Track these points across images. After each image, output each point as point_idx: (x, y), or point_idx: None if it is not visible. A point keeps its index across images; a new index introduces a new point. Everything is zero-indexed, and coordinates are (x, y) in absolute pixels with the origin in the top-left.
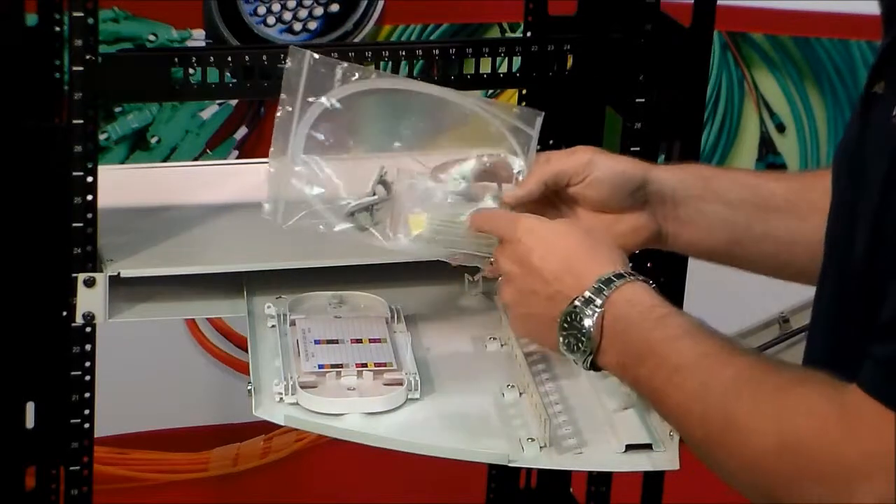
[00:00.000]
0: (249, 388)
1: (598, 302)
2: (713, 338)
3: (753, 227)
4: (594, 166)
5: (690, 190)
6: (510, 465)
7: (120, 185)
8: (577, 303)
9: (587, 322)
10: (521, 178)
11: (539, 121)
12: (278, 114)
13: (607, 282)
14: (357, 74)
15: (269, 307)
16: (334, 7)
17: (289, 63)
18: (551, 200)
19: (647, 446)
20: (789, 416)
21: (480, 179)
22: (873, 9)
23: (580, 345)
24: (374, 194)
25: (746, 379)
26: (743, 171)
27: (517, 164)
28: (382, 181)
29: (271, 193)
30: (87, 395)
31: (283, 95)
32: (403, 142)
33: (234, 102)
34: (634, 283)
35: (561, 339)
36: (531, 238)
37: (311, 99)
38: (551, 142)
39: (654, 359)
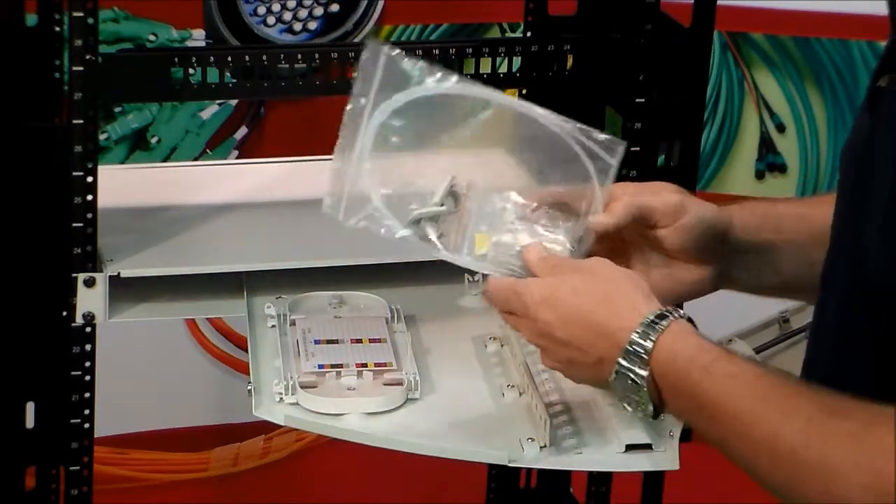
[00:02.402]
0: (249, 388)
1: (642, 363)
2: (763, 378)
3: (808, 259)
4: (685, 212)
5: (762, 236)
6: (510, 465)
7: (120, 185)
8: (623, 363)
9: (640, 382)
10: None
11: (621, 150)
12: (349, 107)
13: (644, 335)
14: (437, 76)
15: (269, 307)
16: (334, 7)
17: (364, 56)
18: (627, 234)
19: (647, 446)
20: (870, 463)
21: (555, 208)
22: (873, 9)
23: (641, 406)
24: (443, 205)
25: (816, 427)
26: (796, 204)
27: (593, 195)
28: (452, 192)
29: (334, 188)
30: (87, 395)
31: (355, 88)
32: (475, 152)
33: (234, 102)
34: (668, 330)
35: (623, 402)
36: (544, 311)
37: (384, 95)
38: None
39: (708, 410)
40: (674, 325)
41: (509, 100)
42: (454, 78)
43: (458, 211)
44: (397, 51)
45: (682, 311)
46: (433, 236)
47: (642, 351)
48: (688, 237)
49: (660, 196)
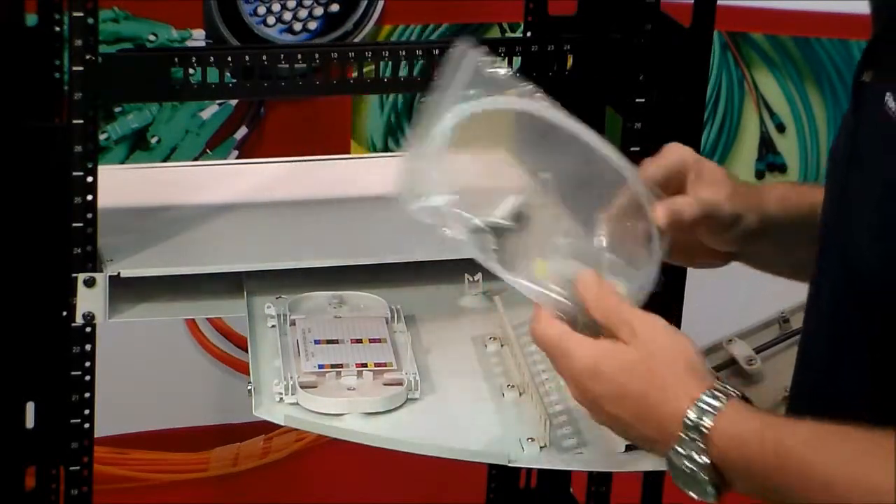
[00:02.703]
0: (249, 388)
1: (700, 450)
2: (831, 446)
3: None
4: (737, 224)
5: (795, 236)
6: (510, 465)
7: (120, 185)
8: (680, 450)
9: (698, 469)
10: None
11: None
12: (430, 96)
13: (698, 421)
14: (523, 88)
15: (269, 307)
16: (334, 7)
17: (453, 52)
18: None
19: None
20: None
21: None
22: None
23: (701, 490)
24: (507, 220)
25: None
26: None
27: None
28: (518, 210)
29: (406, 178)
30: (87, 395)
31: (440, 79)
32: (548, 176)
33: (234, 102)
34: (724, 413)
35: (679, 482)
36: (592, 382)
37: (464, 94)
38: None
39: (794, 488)
40: (729, 407)
41: (588, 136)
42: (538, 96)
43: (520, 230)
44: (487, 55)
45: (733, 389)
46: (491, 249)
47: (699, 438)
48: (726, 243)
49: (721, 199)
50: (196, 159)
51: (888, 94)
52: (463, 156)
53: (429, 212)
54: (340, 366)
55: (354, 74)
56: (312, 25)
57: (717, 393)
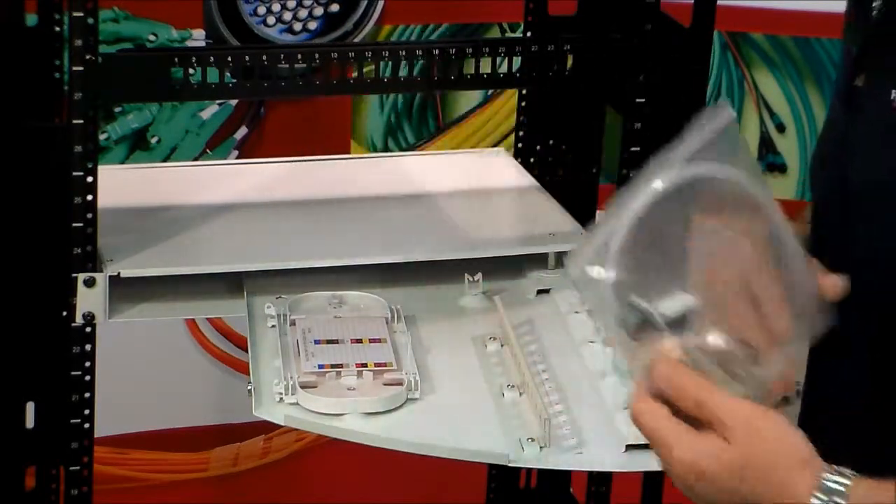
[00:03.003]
0: (249, 388)
1: None
2: None
3: None
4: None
5: None
6: (510, 465)
7: (120, 185)
8: None
9: None
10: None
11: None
12: (660, 155)
13: None
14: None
15: (269, 307)
16: (334, 7)
17: (705, 114)
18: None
19: (647, 446)
20: None
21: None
22: None
23: None
24: (668, 318)
25: None
26: None
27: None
28: (681, 317)
29: (588, 236)
30: (87, 395)
31: (679, 144)
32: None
33: (234, 102)
34: (852, 492)
35: None
36: (693, 479)
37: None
38: (551, 142)
39: None
40: (857, 485)
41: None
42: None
43: (665, 333)
44: (733, 122)
45: (847, 469)
46: (629, 330)
47: None
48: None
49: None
50: (196, 159)
51: (894, 91)
52: (661, 227)
53: (589, 275)
54: (340, 366)
55: (354, 74)
56: (312, 25)
57: (835, 477)
